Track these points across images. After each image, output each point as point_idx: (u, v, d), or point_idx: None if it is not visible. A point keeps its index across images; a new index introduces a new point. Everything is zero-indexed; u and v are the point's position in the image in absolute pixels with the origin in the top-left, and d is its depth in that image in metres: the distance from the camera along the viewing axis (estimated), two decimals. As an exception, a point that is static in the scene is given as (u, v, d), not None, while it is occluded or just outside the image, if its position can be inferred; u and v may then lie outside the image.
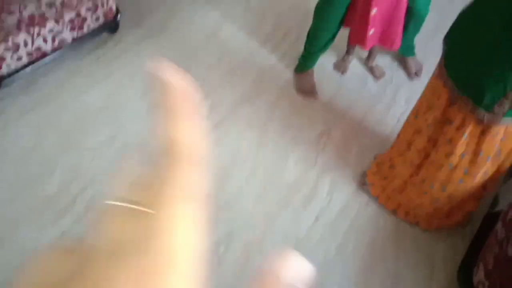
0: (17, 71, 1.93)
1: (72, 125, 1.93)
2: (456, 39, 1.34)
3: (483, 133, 1.32)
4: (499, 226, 1.29)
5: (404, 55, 2.24)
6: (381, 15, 1.81)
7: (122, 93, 2.06)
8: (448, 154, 1.39)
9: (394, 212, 1.70)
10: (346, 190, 1.79)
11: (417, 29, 2.03)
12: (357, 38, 1.94)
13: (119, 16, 2.24)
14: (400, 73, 2.25)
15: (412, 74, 2.23)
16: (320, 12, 1.91)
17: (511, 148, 1.36)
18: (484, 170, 1.40)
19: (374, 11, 1.77)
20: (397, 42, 1.93)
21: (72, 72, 2.11)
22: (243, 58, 2.23)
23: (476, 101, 1.26)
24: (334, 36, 1.98)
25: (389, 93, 2.14)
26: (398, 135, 1.67)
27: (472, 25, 1.27)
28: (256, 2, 2.53)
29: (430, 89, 1.47)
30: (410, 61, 2.24)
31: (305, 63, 2.09)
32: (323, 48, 2.02)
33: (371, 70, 2.22)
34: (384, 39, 1.92)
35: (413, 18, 1.91)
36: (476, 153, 1.37)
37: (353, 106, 2.07)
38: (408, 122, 1.61)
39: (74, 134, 1.90)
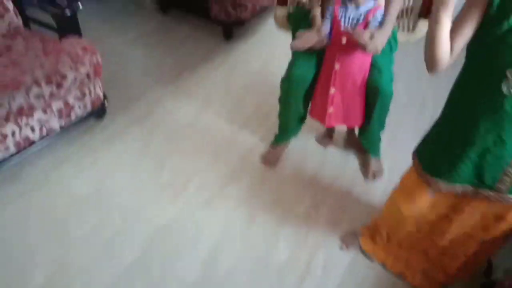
0: (3, 160, 1.93)
1: (59, 214, 1.89)
2: (433, 146, 1.34)
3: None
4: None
5: (366, 151, 2.13)
6: (340, 95, 1.84)
7: (109, 179, 2.06)
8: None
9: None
10: (341, 265, 1.75)
11: (382, 120, 1.93)
12: (317, 114, 1.97)
13: (106, 102, 2.30)
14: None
15: (369, 175, 2.09)
16: (281, 97, 1.97)
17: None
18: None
19: (332, 90, 1.82)
20: (358, 121, 1.94)
21: (59, 160, 2.12)
22: (226, 140, 2.27)
23: (477, 185, 1.29)
24: (301, 118, 2.04)
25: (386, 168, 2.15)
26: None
27: (448, 125, 1.28)
28: (236, 85, 2.64)
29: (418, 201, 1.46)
30: (372, 160, 2.11)
31: (276, 139, 2.15)
32: (292, 128, 2.08)
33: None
34: (345, 119, 1.95)
35: (377, 100, 1.82)
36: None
37: (340, 177, 2.10)
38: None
39: (61, 223, 1.85)
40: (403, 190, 1.50)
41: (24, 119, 1.90)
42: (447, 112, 1.29)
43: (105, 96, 2.28)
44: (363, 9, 1.64)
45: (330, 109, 1.88)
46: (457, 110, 1.24)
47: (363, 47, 1.60)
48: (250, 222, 1.89)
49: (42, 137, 2.02)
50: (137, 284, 1.65)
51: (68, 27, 2.16)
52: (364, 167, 2.13)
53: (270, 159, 2.14)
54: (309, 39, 1.74)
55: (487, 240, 1.42)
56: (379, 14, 1.66)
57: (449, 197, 1.38)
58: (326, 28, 1.72)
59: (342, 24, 1.67)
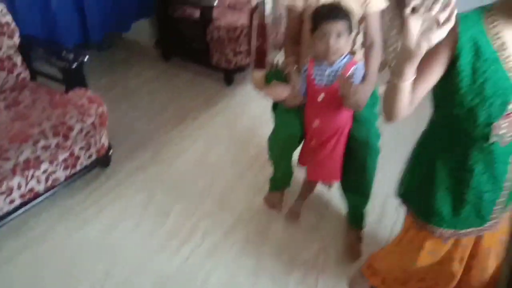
0: (9, 213, 1.93)
1: (65, 264, 1.87)
2: (428, 196, 1.33)
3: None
4: None
5: (350, 224, 2.00)
6: (320, 151, 1.79)
7: (115, 227, 2.05)
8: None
9: None
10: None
11: (371, 178, 1.83)
12: (304, 163, 1.93)
13: (111, 151, 2.33)
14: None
15: (348, 250, 1.94)
16: (270, 155, 1.97)
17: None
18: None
19: (312, 143, 1.79)
20: (337, 176, 1.85)
21: (64, 210, 2.11)
22: (231, 184, 2.28)
23: (479, 225, 1.30)
24: (291, 173, 2.01)
25: (377, 204, 2.13)
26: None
27: (439, 175, 1.27)
28: (238, 129, 2.68)
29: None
30: (352, 233, 1.97)
31: (271, 187, 2.10)
32: (285, 181, 2.05)
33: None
34: (324, 175, 1.90)
35: (367, 156, 1.77)
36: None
37: (344, 221, 2.08)
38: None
39: (68, 273, 1.83)
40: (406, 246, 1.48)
41: (31, 172, 1.92)
42: (434, 164, 1.28)
43: (110, 145, 2.31)
44: (337, 65, 1.64)
45: (311, 164, 1.87)
46: (443, 163, 1.24)
47: (344, 99, 1.59)
48: (257, 269, 1.86)
49: (47, 189, 2.03)
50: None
51: (74, 79, 2.22)
52: (345, 238, 1.99)
53: (273, 203, 2.13)
54: (278, 91, 1.75)
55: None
56: (360, 70, 1.66)
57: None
58: (301, 86, 1.73)
59: (317, 82, 1.67)
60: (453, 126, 1.19)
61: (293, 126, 1.80)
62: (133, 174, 2.34)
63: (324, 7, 1.64)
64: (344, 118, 1.74)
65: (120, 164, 2.39)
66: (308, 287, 1.80)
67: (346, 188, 1.93)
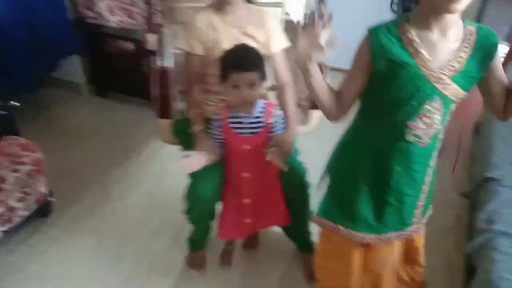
0: None
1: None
2: (337, 191, 1.41)
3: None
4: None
5: (301, 252, 1.97)
6: (257, 202, 1.69)
7: (67, 279, 1.89)
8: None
9: None
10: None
11: (307, 214, 1.77)
12: (229, 233, 1.80)
13: (52, 198, 2.16)
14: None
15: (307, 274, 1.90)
16: (187, 213, 1.80)
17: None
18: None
19: (246, 201, 1.66)
20: (283, 219, 1.77)
21: (6, 268, 1.92)
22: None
23: (400, 229, 1.39)
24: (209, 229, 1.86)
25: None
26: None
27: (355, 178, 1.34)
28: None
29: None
30: (306, 257, 1.93)
31: (192, 245, 1.94)
32: (205, 233, 1.88)
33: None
34: (267, 222, 1.80)
35: (298, 195, 1.74)
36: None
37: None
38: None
39: None
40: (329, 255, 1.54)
41: (-40, 232, 1.73)
42: (352, 166, 1.34)
43: (50, 192, 2.15)
44: (257, 113, 1.56)
45: (248, 220, 1.72)
46: (365, 163, 1.30)
47: (275, 155, 1.52)
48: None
49: (-18, 248, 1.84)
50: None
51: (4, 127, 2.05)
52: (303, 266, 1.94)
53: (196, 263, 1.95)
54: (197, 161, 1.57)
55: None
56: (280, 116, 1.60)
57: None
58: (216, 143, 1.62)
59: (239, 132, 1.56)
60: (372, 126, 1.26)
61: (211, 184, 1.64)
62: (79, 220, 2.18)
63: (232, 54, 1.49)
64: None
65: (63, 211, 2.22)
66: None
67: (289, 232, 1.91)
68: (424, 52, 1.11)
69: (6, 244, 1.98)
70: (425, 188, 1.34)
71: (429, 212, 1.45)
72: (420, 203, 1.36)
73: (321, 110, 1.25)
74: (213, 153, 1.60)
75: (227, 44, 1.59)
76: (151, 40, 1.98)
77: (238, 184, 1.65)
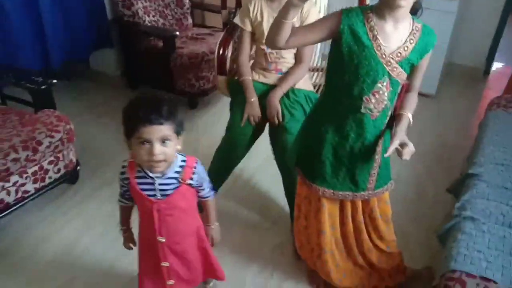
0: (-22, 225, 2.01)
1: (33, 275, 1.95)
2: (312, 160, 1.64)
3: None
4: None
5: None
6: (178, 263, 1.54)
7: (82, 238, 2.15)
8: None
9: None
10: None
11: None
12: None
13: (78, 167, 2.45)
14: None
15: None
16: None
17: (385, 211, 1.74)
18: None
19: (166, 264, 1.51)
20: (200, 278, 1.67)
21: (32, 223, 2.21)
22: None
23: (354, 190, 1.63)
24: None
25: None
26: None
27: (320, 140, 1.59)
28: (203, 147, 2.84)
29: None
30: None
31: None
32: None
33: None
34: (192, 281, 1.64)
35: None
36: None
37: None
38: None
39: (35, 283, 1.91)
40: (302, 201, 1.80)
41: (1, 183, 2.02)
42: (319, 128, 1.59)
43: (78, 162, 2.44)
44: (171, 174, 1.37)
45: (171, 281, 1.55)
46: (328, 126, 1.56)
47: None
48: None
49: (17, 201, 2.13)
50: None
51: (43, 101, 2.37)
52: None
53: None
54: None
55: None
56: (200, 171, 1.42)
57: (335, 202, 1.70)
58: (125, 196, 1.49)
59: (149, 195, 1.38)
60: (335, 98, 1.52)
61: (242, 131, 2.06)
62: (100, 189, 2.46)
63: (140, 103, 1.27)
64: (193, 221, 1.53)
65: (87, 181, 2.51)
66: (264, 278, 1.95)
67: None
68: (380, 38, 1.37)
69: (36, 201, 2.27)
70: (377, 158, 1.58)
71: (389, 186, 1.69)
72: (373, 171, 1.61)
73: (270, 39, 1.41)
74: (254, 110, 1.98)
75: (267, 26, 1.93)
76: (223, 13, 2.44)
77: (153, 247, 1.48)
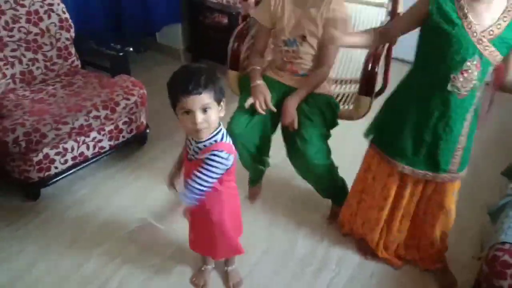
0: (61, 173, 2.27)
1: (106, 219, 2.19)
2: (393, 136, 1.67)
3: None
4: (484, 266, 1.49)
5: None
6: (197, 228, 1.68)
7: (149, 193, 2.36)
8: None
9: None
10: (353, 261, 1.99)
11: (329, 189, 2.09)
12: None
13: (148, 130, 2.67)
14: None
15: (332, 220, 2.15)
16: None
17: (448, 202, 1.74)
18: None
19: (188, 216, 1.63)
20: (217, 255, 1.80)
21: (106, 175, 2.46)
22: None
23: (434, 170, 1.64)
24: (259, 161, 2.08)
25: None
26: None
27: (405, 116, 1.62)
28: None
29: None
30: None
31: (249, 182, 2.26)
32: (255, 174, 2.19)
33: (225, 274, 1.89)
34: (205, 251, 1.79)
35: (308, 171, 1.94)
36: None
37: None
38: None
39: (108, 227, 2.15)
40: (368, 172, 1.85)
41: (82, 138, 2.27)
42: (402, 105, 1.63)
43: (147, 125, 2.66)
44: (202, 143, 1.41)
45: (191, 236, 1.74)
46: (412, 104, 1.59)
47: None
48: (271, 225, 2.14)
49: (94, 155, 2.37)
50: None
51: (119, 66, 2.59)
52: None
53: (252, 195, 2.29)
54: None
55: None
56: (219, 155, 1.38)
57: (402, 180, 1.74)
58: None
59: (188, 156, 1.50)
60: (422, 76, 1.55)
61: (244, 121, 1.92)
62: (166, 151, 2.66)
63: (179, 75, 1.35)
64: (215, 198, 1.52)
65: (155, 143, 2.74)
66: (315, 241, 2.08)
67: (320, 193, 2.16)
68: (470, 16, 1.39)
69: (110, 157, 2.51)
70: (462, 138, 1.58)
71: (465, 171, 1.68)
72: (457, 153, 1.60)
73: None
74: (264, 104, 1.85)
75: (288, 22, 1.93)
76: (244, 5, 2.36)
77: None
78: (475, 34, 1.39)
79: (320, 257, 2.00)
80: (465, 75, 1.44)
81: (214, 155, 1.36)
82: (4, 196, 2.29)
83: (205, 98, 1.30)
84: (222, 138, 1.41)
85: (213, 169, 1.37)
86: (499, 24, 1.38)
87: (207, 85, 1.30)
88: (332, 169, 1.99)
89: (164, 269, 1.93)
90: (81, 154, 2.31)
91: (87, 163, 2.37)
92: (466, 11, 1.39)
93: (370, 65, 1.94)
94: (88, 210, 2.24)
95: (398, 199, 1.79)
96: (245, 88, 2.05)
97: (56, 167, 2.23)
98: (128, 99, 2.39)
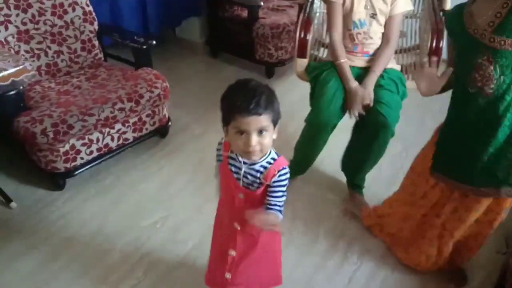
0: (87, 163, 2.32)
1: (129, 210, 2.24)
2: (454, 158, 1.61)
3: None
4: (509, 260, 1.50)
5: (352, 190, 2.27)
6: (243, 259, 1.46)
7: (171, 183, 2.41)
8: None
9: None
10: (374, 256, 2.01)
11: (377, 157, 2.10)
12: (212, 281, 1.60)
13: (169, 123, 2.70)
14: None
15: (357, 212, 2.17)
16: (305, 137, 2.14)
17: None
18: None
19: (232, 253, 1.45)
20: (273, 282, 1.60)
21: (130, 166, 2.51)
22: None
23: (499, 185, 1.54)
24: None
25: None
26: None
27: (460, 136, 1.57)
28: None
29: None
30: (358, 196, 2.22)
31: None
32: (304, 160, 2.26)
33: None
34: (252, 284, 1.56)
35: (381, 133, 1.95)
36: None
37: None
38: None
39: (132, 217, 2.19)
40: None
41: (107, 130, 2.31)
42: (454, 130, 1.60)
43: (169, 118, 2.69)
44: (258, 166, 1.30)
45: (228, 275, 1.48)
46: (458, 123, 1.57)
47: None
48: (293, 217, 2.17)
49: (118, 146, 2.42)
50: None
51: (143, 59, 2.62)
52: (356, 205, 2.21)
53: None
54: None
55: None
56: (284, 175, 1.30)
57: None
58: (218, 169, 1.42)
59: (236, 176, 1.33)
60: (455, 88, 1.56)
61: (334, 109, 1.98)
62: (187, 143, 2.71)
63: (238, 91, 1.22)
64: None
65: (176, 135, 2.77)
66: (336, 235, 2.10)
67: (349, 166, 2.25)
68: (476, 18, 1.40)
69: (133, 148, 2.55)
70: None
71: None
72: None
73: None
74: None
75: (359, 2, 1.98)
76: None
77: (228, 231, 1.44)
78: (476, 31, 1.39)
79: (342, 250, 2.03)
80: (481, 72, 1.41)
81: (282, 175, 1.29)
82: (31, 185, 2.35)
83: (264, 120, 1.19)
84: (276, 154, 1.32)
85: (285, 188, 1.32)
86: (499, 12, 1.36)
87: (267, 106, 1.19)
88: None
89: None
90: (106, 145, 2.35)
91: (111, 154, 2.41)
92: (476, 25, 1.40)
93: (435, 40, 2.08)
94: (112, 199, 2.29)
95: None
96: (315, 76, 2.12)
97: (82, 158, 2.28)
98: (152, 92, 2.42)
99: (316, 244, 2.06)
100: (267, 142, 1.23)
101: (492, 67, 1.41)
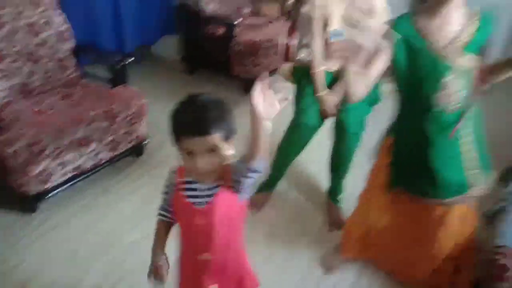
0: (61, 185, 2.28)
1: (106, 231, 2.20)
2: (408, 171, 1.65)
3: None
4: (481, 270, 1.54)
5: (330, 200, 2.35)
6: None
7: (147, 204, 2.37)
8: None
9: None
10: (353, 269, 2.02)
11: (346, 166, 2.24)
12: None
13: (146, 141, 2.69)
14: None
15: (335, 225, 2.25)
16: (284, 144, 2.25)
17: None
18: None
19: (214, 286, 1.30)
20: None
21: (106, 187, 2.47)
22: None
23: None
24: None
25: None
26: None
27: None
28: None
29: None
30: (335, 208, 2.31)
31: (261, 186, 2.40)
32: (278, 173, 2.36)
33: None
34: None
35: (343, 139, 2.12)
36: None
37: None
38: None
39: (108, 238, 2.16)
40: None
41: (82, 149, 2.28)
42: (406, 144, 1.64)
43: (145, 136, 2.67)
44: (208, 187, 1.19)
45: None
46: (413, 138, 1.60)
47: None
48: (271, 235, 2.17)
49: (94, 166, 2.38)
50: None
51: (119, 77, 2.61)
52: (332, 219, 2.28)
53: (258, 203, 2.35)
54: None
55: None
56: (238, 170, 1.15)
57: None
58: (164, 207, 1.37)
59: (196, 205, 1.21)
60: (409, 108, 1.57)
61: (314, 114, 2.09)
62: (163, 163, 2.68)
63: (184, 110, 1.13)
64: (240, 245, 1.33)
65: (151, 154, 2.76)
66: (318, 247, 2.12)
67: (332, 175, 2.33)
68: (429, 36, 1.40)
69: (109, 168, 2.52)
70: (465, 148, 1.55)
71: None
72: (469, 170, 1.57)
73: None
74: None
75: (334, 15, 2.00)
76: (288, 4, 2.60)
77: (196, 268, 1.29)
78: (440, 51, 1.40)
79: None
80: (447, 91, 1.44)
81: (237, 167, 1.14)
82: (1, 209, 2.29)
83: (213, 139, 1.08)
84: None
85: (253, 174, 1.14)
86: (466, 30, 1.39)
87: (216, 124, 1.08)
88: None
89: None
90: (80, 166, 2.32)
91: (86, 174, 2.38)
92: (426, 31, 1.40)
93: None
94: (89, 221, 2.25)
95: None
96: (300, 79, 2.20)
97: (56, 180, 2.23)
98: (128, 110, 2.41)
99: (297, 259, 2.07)
100: (218, 161, 1.12)
101: (457, 86, 1.44)
